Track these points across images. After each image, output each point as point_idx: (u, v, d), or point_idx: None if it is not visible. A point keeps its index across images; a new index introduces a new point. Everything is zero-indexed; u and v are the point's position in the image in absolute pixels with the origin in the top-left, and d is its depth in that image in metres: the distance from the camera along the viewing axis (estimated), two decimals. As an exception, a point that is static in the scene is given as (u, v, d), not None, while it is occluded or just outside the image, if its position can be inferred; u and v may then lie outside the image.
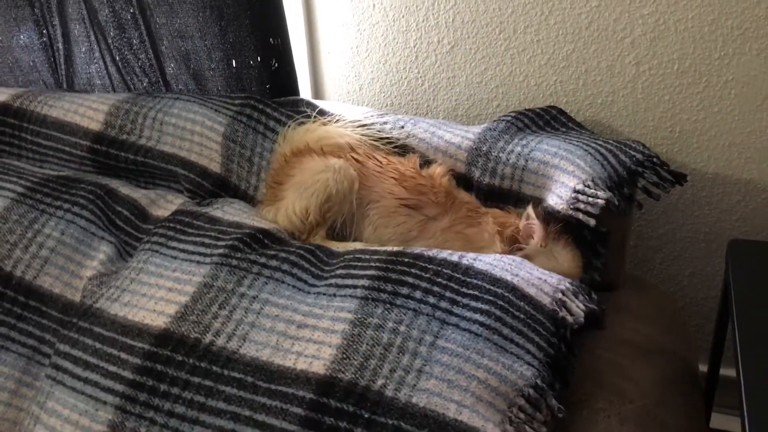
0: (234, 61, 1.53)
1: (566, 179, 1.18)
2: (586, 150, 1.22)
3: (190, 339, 0.98)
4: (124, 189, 1.36)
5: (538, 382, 0.90)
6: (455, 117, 1.55)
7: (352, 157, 1.26)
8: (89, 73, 1.67)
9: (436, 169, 1.25)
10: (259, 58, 1.51)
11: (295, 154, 1.31)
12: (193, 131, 1.38)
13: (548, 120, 1.32)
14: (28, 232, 1.18)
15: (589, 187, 1.14)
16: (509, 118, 1.34)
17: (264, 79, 1.53)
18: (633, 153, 1.22)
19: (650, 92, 1.38)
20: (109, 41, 1.61)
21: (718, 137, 1.38)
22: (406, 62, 1.53)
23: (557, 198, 1.17)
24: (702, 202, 1.45)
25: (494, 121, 1.34)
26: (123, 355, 0.99)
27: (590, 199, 1.13)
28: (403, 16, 1.48)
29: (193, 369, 0.95)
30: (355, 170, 1.24)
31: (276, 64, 1.51)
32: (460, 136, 1.31)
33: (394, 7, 1.47)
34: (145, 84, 1.64)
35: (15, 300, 1.12)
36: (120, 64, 1.64)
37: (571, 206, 1.14)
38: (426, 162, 1.30)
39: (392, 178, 1.22)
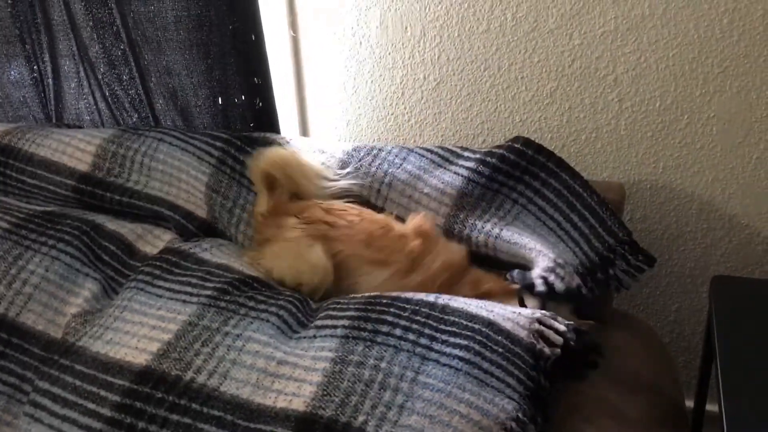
0: (220, 99, 1.56)
1: (539, 260, 1.20)
2: (558, 237, 1.25)
3: (170, 376, 0.99)
4: (111, 224, 1.37)
5: (520, 415, 0.91)
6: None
7: (324, 222, 1.26)
8: (78, 108, 1.70)
9: (410, 225, 1.27)
10: (243, 97, 1.55)
11: (272, 213, 1.32)
12: (180, 178, 1.41)
13: (525, 167, 1.31)
14: (12, 269, 1.19)
15: (559, 271, 1.17)
16: (483, 178, 1.31)
17: (248, 117, 1.57)
18: (606, 237, 1.23)
19: (633, 129, 1.42)
20: (99, 77, 1.64)
21: (701, 173, 1.40)
22: (392, 98, 1.57)
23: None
24: (687, 237, 1.47)
25: (471, 174, 1.32)
26: (102, 393, 0.99)
27: (562, 277, 1.16)
28: (389, 53, 1.51)
29: (172, 406, 0.96)
30: (327, 237, 1.25)
31: (260, 103, 1.54)
32: (439, 191, 1.33)
33: (381, 44, 1.51)
34: (134, 119, 1.66)
35: None
36: (110, 99, 1.67)
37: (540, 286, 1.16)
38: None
39: (359, 240, 1.23)
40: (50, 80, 1.69)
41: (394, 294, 1.08)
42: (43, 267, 1.21)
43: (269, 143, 1.43)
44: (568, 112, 1.45)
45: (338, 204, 1.31)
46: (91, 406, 0.98)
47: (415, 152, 1.37)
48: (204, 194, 1.40)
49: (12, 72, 1.67)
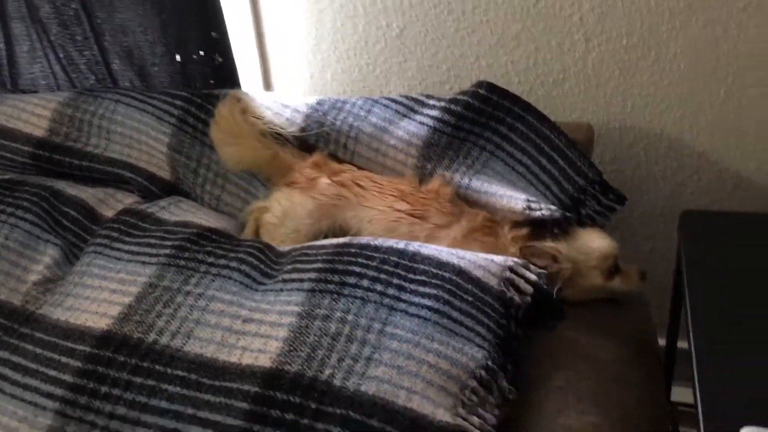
0: (177, 56, 1.50)
1: (512, 203, 1.17)
2: (528, 181, 1.22)
3: (132, 339, 0.95)
4: (71, 189, 1.33)
5: (489, 363, 0.89)
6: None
7: (356, 183, 1.23)
8: (33, 72, 1.63)
9: (434, 183, 1.22)
10: (201, 53, 1.49)
11: (313, 166, 1.27)
12: (140, 140, 1.37)
13: (491, 113, 1.26)
14: (-30, 238, 1.14)
15: (534, 206, 1.15)
16: (449, 127, 1.27)
17: (208, 74, 1.51)
18: (576, 179, 1.21)
19: (601, 68, 1.37)
20: (52, 39, 1.57)
21: (670, 110, 1.37)
22: (356, 49, 1.51)
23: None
24: (657, 176, 1.44)
25: (436, 123, 1.27)
26: (63, 359, 0.95)
27: (543, 209, 1.13)
28: (350, 1, 1.45)
29: (135, 369, 0.92)
30: (340, 195, 1.22)
31: (219, 59, 1.48)
32: (405, 142, 1.28)
33: (341, -10, 1.45)
34: (92, 81, 1.60)
35: None
36: (64, 62, 1.60)
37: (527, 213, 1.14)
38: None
39: (392, 195, 1.20)
40: (2, 44, 1.60)
41: (364, 241, 1.05)
42: (2, 235, 1.16)
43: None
44: (534, 54, 1.40)
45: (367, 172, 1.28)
46: (53, 373, 0.95)
47: (380, 103, 1.33)
48: (166, 155, 1.35)
49: (-41, 36, 1.59)
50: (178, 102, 1.37)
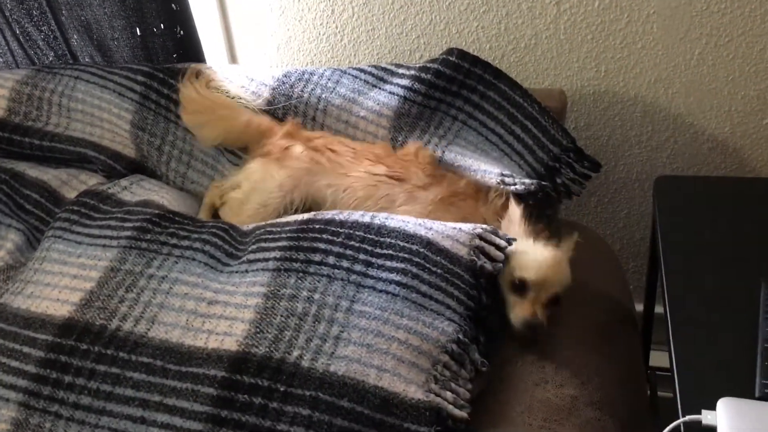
0: (138, 29, 1.43)
1: (487, 178, 1.13)
2: (501, 151, 1.19)
3: (95, 326, 0.93)
4: (33, 171, 1.29)
5: (460, 336, 0.87)
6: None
7: (329, 149, 1.18)
8: (-12, 50, 1.56)
9: (411, 147, 1.19)
10: (162, 26, 1.42)
11: (286, 135, 1.22)
12: (102, 118, 1.32)
13: (462, 81, 1.23)
14: (-74, 223, 1.11)
15: (508, 180, 1.11)
16: (420, 96, 1.23)
17: (170, 48, 1.45)
18: (550, 147, 1.17)
19: (573, 32, 1.34)
20: (7, 14, 1.50)
21: (644, 74, 1.34)
22: (322, 18, 1.46)
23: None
24: (632, 142, 1.42)
25: (406, 93, 1.24)
26: (25, 349, 0.92)
27: (517, 183, 1.10)
28: (311, -33, 1.40)
29: (98, 357, 0.90)
30: (314, 160, 1.17)
31: (181, 32, 1.42)
32: (375, 113, 1.25)
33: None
34: (51, 58, 1.54)
35: None
36: (21, 38, 1.53)
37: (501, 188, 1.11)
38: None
39: (368, 160, 1.16)
40: (-46, 21, 1.53)
41: (328, 216, 1.02)
42: None
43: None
44: (505, 19, 1.36)
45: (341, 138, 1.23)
46: (15, 364, 0.92)
47: (348, 74, 1.28)
48: (129, 133, 1.30)
49: None
50: (139, 77, 1.32)
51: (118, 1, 1.41)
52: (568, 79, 1.38)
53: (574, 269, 1.06)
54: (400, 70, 1.27)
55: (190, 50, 1.46)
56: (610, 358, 1.01)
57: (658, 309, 1.30)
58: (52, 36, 1.51)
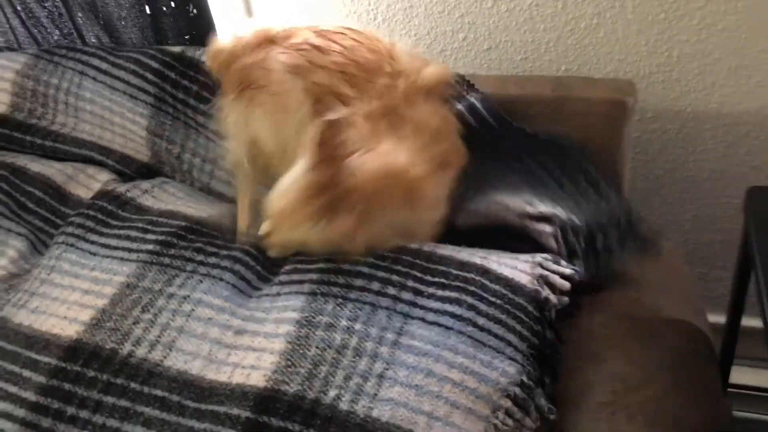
0: (147, 7, 1.36)
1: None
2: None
3: (105, 350, 0.86)
4: (35, 166, 1.22)
5: (524, 379, 0.78)
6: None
7: (314, 46, 0.96)
8: (-12, 27, 1.49)
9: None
10: (172, 4, 1.34)
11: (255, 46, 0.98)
12: (113, 122, 1.24)
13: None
14: None
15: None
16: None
17: (182, 28, 1.37)
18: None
19: (642, 11, 1.22)
20: (9, -10, 1.43)
21: (723, 60, 1.22)
22: (356, -11, 1.35)
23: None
24: (705, 136, 1.31)
25: None
26: (26, 373, 0.86)
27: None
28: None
29: (107, 387, 0.83)
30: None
31: (194, 11, 1.34)
32: None
33: None
34: (56, 37, 1.46)
35: None
36: (23, 15, 1.46)
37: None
38: None
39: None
40: (-48, -4, 1.46)
41: None
42: None
43: None
44: (563, -5, 1.24)
45: (336, 27, 1.00)
46: (13, 389, 0.86)
47: None
48: (146, 139, 1.23)
49: None
50: (150, 75, 1.23)
51: (126, -23, 1.34)
52: (633, 65, 1.27)
53: (642, 291, 0.96)
54: None
55: (203, 30, 1.37)
56: (687, 401, 0.91)
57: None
58: (57, 13, 1.44)
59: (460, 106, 1.10)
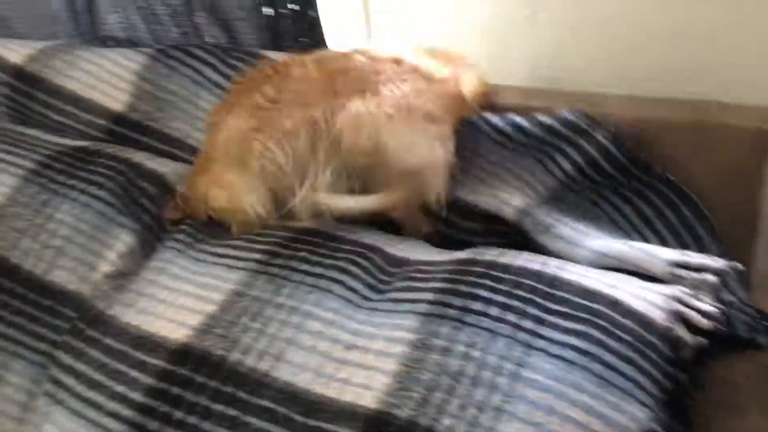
0: (266, 9, 1.39)
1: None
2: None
3: (213, 356, 0.86)
4: (150, 162, 1.25)
5: (655, 426, 0.73)
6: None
7: None
8: (111, 23, 1.56)
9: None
10: (293, 6, 1.37)
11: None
12: None
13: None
14: (38, 218, 1.09)
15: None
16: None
17: (298, 31, 1.39)
18: None
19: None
20: (132, -14, 1.49)
21: None
22: None
23: None
24: None
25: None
26: (134, 374, 0.88)
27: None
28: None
29: (215, 394, 0.84)
30: None
31: (313, 14, 1.36)
32: None
33: None
34: (174, 34, 1.52)
35: (25, 298, 1.03)
36: (146, 12, 1.52)
37: None
38: None
39: None
40: (81, -8, 1.54)
41: (490, 258, 0.90)
42: (72, 216, 1.09)
43: None
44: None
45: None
46: (120, 389, 0.87)
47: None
48: None
49: (39, -18, 1.54)
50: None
51: (250, -22, 1.37)
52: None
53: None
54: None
55: (317, 33, 1.40)
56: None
57: None
58: (176, 11, 1.49)
59: (592, 152, 1.06)
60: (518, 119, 1.09)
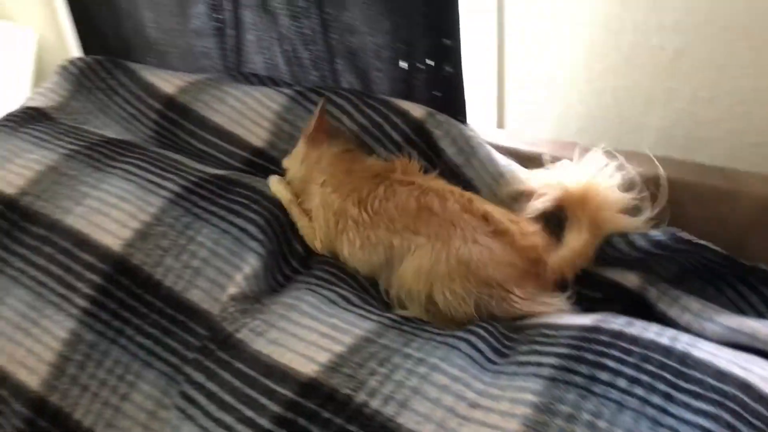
0: (403, 63, 1.43)
1: None
2: None
3: (340, 394, 0.90)
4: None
5: None
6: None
7: None
8: (256, 63, 1.66)
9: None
10: (429, 61, 1.40)
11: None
12: None
13: None
14: (181, 239, 1.16)
15: None
16: None
17: (431, 84, 1.43)
18: None
19: None
20: (281, 30, 1.58)
21: None
22: (614, 68, 1.34)
23: None
24: None
25: None
26: (263, 400, 0.92)
27: None
28: (616, 15, 1.29)
29: (339, 430, 0.87)
30: None
31: (449, 69, 1.39)
32: None
33: (606, 2, 1.28)
34: (312, 77, 1.59)
35: (162, 312, 1.10)
36: (290, 55, 1.61)
37: None
38: None
39: None
40: (232, 31, 1.65)
41: (617, 328, 0.91)
42: (212, 239, 1.16)
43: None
44: None
45: None
46: (249, 413, 0.92)
47: None
48: None
49: (194, 21, 1.65)
50: (391, 147, 1.32)
51: (390, 33, 1.43)
52: None
53: None
54: None
55: (454, 89, 1.43)
56: None
57: None
58: (318, 57, 1.57)
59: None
60: (658, 236, 1.08)
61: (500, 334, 0.98)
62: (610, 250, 1.09)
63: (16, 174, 1.25)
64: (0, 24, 1.97)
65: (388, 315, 1.03)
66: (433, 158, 1.30)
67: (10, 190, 1.22)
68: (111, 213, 1.17)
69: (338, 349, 0.96)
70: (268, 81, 1.60)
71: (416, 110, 1.34)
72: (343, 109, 1.39)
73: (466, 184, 1.25)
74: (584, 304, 1.08)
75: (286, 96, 1.45)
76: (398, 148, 1.32)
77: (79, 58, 1.67)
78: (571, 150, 1.20)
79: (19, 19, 2.02)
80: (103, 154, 1.31)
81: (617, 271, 1.09)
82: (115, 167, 1.27)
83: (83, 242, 1.14)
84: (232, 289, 1.11)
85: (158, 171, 1.28)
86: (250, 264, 1.16)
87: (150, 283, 1.11)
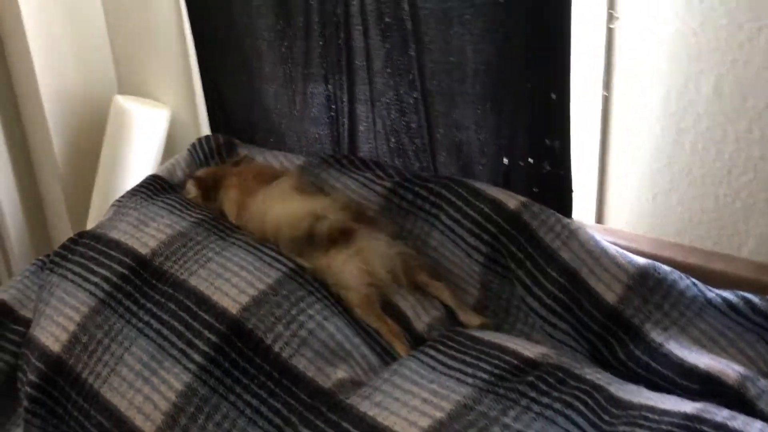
0: (505, 159, 1.52)
1: None
2: None
3: None
4: None
5: None
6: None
7: None
8: (363, 151, 1.79)
9: None
10: (529, 159, 1.49)
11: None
12: (452, 272, 1.43)
13: None
14: (293, 309, 1.26)
15: None
16: None
17: (531, 181, 1.50)
18: None
19: None
20: (389, 123, 1.70)
21: None
22: (715, 176, 1.40)
23: None
24: None
25: None
26: None
27: None
28: (719, 125, 1.35)
29: None
30: None
31: (548, 167, 1.47)
32: None
33: (710, 113, 1.36)
34: (415, 167, 1.69)
35: (270, 375, 1.18)
36: (393, 146, 1.72)
37: None
38: None
39: None
40: (345, 120, 1.78)
41: (719, 421, 0.94)
42: (321, 315, 1.26)
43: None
44: None
45: None
46: None
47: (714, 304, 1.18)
48: (478, 291, 1.38)
49: (313, 110, 1.81)
50: (486, 237, 1.38)
51: (495, 130, 1.51)
52: None
53: None
54: None
55: (556, 187, 1.49)
56: None
57: None
58: (422, 149, 1.67)
59: None
60: (749, 294, 1.13)
61: (601, 408, 1.01)
62: None
63: (151, 236, 1.40)
64: (139, 102, 2.19)
65: (482, 376, 1.07)
66: (529, 249, 1.34)
67: (144, 251, 1.37)
68: (231, 279, 1.29)
69: (438, 415, 1.01)
70: (374, 166, 1.70)
71: (510, 201, 1.41)
72: (440, 219, 1.46)
73: (561, 268, 1.29)
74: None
75: (387, 189, 1.57)
76: (495, 251, 1.38)
77: (208, 137, 1.86)
78: (670, 250, 1.25)
79: (156, 95, 2.25)
80: (226, 225, 1.45)
81: (716, 364, 1.10)
82: (237, 238, 1.40)
83: (204, 302, 1.25)
84: (341, 373, 1.18)
85: (274, 246, 1.41)
86: (361, 352, 1.24)
87: (261, 348, 1.20)
